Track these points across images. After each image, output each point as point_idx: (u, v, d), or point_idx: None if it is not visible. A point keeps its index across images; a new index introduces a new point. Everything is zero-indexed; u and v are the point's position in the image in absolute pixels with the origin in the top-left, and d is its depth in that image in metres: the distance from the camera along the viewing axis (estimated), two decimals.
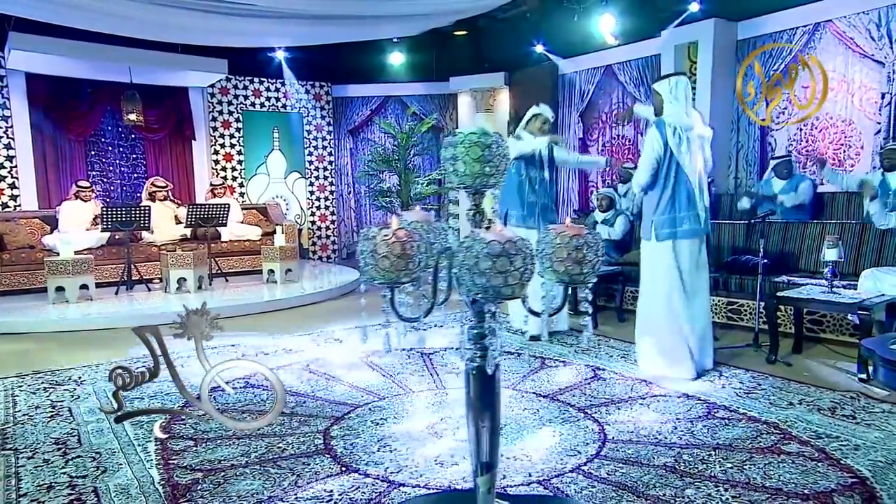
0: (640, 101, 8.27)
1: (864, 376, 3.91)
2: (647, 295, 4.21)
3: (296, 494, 2.59)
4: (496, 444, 1.75)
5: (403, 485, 2.66)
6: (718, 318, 5.42)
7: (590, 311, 1.65)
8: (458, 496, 2.57)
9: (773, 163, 6.33)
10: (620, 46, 8.69)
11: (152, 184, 9.00)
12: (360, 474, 2.78)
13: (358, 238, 1.46)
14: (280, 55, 10.45)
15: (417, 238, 1.47)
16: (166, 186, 9.09)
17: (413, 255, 1.46)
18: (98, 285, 7.14)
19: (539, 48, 9.70)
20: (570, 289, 1.61)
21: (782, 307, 4.77)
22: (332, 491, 2.63)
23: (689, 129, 4.05)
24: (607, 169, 8.43)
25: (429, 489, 2.63)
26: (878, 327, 4.19)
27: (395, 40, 10.75)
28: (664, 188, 4.07)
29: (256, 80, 10.61)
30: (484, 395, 1.68)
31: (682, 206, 4.03)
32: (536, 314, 1.67)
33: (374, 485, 2.67)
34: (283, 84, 10.77)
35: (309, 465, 2.88)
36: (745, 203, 6.28)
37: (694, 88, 7.46)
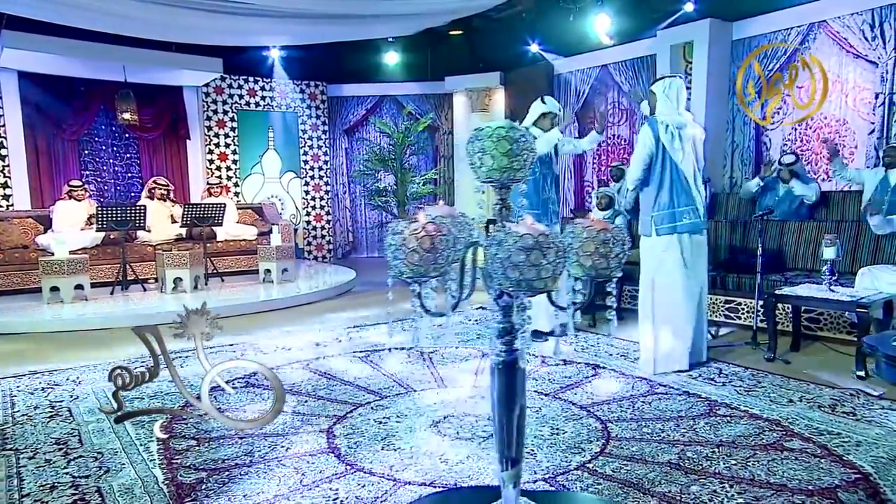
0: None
1: (862, 373, 3.93)
2: (648, 290, 4.23)
3: (301, 493, 2.59)
4: (522, 439, 1.76)
5: (410, 483, 2.66)
6: (716, 316, 5.44)
7: (614, 304, 1.66)
8: (467, 493, 2.57)
9: (779, 167, 6.17)
10: (616, 46, 8.71)
11: (154, 181, 8.96)
12: (365, 472, 2.77)
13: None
14: (275, 54, 10.42)
15: (445, 232, 1.47)
16: (167, 185, 9.04)
17: (442, 249, 1.45)
18: (93, 285, 7.09)
19: (534, 48, 9.71)
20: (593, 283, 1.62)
21: (780, 305, 4.79)
22: (337, 489, 2.62)
23: (682, 126, 4.12)
24: (603, 136, 8.47)
25: (435, 487, 2.63)
26: (876, 325, 4.22)
27: (390, 40, 10.74)
28: (661, 184, 4.13)
29: (251, 79, 10.56)
30: (510, 389, 1.68)
31: (680, 201, 4.10)
32: (562, 308, 1.67)
33: (379, 483, 2.67)
34: (278, 83, 10.73)
35: (313, 463, 2.87)
36: (752, 186, 6.26)
37: (689, 88, 7.49)
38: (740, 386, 3.87)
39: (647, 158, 4.15)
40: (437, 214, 1.60)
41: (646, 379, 4.04)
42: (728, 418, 3.32)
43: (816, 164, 7.00)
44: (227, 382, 3.61)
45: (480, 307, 6.32)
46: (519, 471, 1.76)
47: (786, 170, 6.10)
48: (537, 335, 5.01)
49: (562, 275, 1.50)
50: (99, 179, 9.53)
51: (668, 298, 4.13)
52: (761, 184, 6.20)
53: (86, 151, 9.41)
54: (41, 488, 2.67)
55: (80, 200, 8.03)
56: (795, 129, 7.20)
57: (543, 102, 5.15)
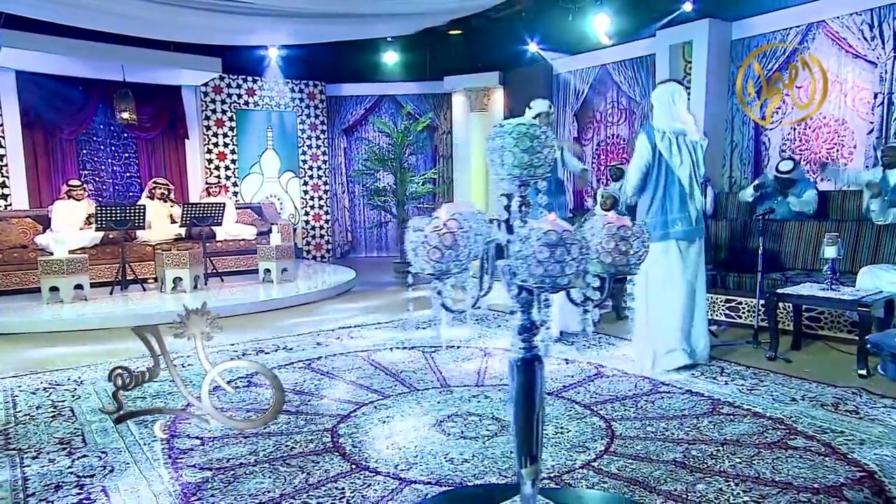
0: (640, 104, 8.51)
1: (864, 372, 3.94)
2: (642, 293, 4.22)
3: (307, 492, 2.58)
4: (540, 436, 1.76)
5: (415, 482, 2.66)
6: (717, 315, 5.45)
7: (632, 304, 1.67)
8: (474, 492, 2.57)
9: (776, 174, 5.98)
10: (615, 46, 8.72)
11: (154, 181, 8.94)
12: (370, 472, 2.77)
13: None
14: (273, 54, 10.40)
15: (467, 229, 1.47)
16: (167, 185, 9.02)
17: (464, 245, 1.45)
18: (92, 285, 7.07)
19: (533, 47, 9.71)
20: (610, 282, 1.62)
21: (781, 304, 4.80)
22: (343, 489, 2.62)
23: (681, 133, 4.11)
24: (589, 180, 8.89)
25: (441, 486, 2.62)
26: (877, 324, 4.24)
27: (389, 39, 10.72)
28: (655, 190, 4.16)
29: (250, 78, 10.54)
30: (529, 387, 1.68)
31: (673, 207, 4.11)
32: (578, 304, 1.67)
33: (385, 482, 2.67)
34: (276, 83, 10.72)
35: (318, 463, 2.87)
36: (747, 195, 6.14)
37: (689, 88, 7.50)
38: (742, 385, 3.87)
39: (644, 167, 4.18)
40: (455, 211, 1.60)
41: (648, 378, 4.04)
42: (731, 417, 3.33)
43: (815, 164, 7.00)
44: (228, 382, 3.61)
45: None
46: (538, 468, 1.76)
47: (782, 179, 5.88)
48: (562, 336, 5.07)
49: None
50: (97, 179, 9.51)
51: (661, 304, 4.13)
52: (756, 195, 6.05)
53: (84, 151, 9.38)
54: (46, 488, 2.66)
55: (78, 200, 8.00)
56: (795, 129, 7.21)
57: (529, 108, 5.07)
